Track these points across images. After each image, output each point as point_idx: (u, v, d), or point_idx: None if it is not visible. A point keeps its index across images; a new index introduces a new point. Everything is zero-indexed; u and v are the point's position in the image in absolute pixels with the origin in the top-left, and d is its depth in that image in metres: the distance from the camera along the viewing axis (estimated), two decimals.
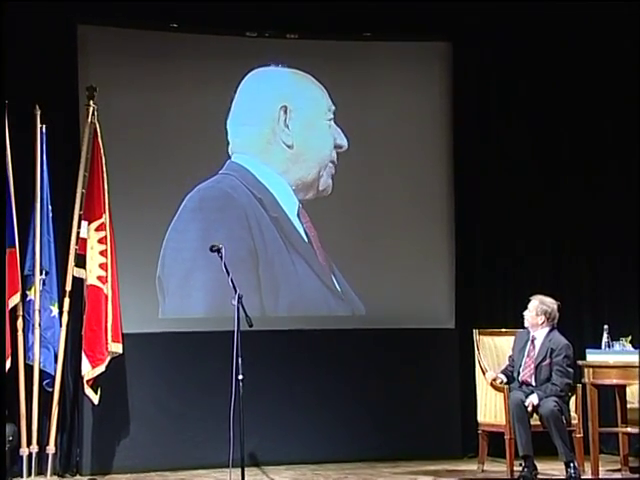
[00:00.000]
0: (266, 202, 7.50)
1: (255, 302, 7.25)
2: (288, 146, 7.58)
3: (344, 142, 7.65)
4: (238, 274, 7.07)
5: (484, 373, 6.87)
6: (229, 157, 7.50)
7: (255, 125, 7.56)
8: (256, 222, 7.44)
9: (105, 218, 6.70)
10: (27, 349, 6.51)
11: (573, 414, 6.64)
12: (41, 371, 6.53)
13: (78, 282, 6.71)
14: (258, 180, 7.52)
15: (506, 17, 7.74)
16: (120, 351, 6.70)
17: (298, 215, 7.59)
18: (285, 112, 7.55)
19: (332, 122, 7.67)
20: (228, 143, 7.50)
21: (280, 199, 7.55)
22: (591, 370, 6.59)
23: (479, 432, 6.94)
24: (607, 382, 6.62)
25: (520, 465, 6.54)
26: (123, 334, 6.72)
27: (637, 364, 6.44)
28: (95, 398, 6.66)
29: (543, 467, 6.69)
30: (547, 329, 6.69)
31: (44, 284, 6.57)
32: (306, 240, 7.57)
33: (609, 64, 7.71)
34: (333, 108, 7.66)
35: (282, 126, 7.56)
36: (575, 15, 7.69)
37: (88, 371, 6.60)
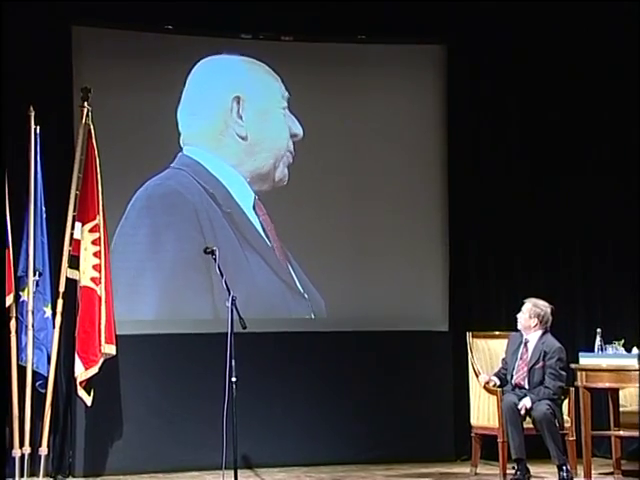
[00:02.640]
0: (219, 197, 7.32)
1: (207, 304, 7.16)
2: (242, 138, 7.41)
3: (299, 130, 7.49)
4: (189, 275, 7.11)
5: (477, 376, 6.87)
6: (180, 149, 7.36)
7: (207, 117, 7.40)
8: (207, 220, 7.27)
9: (99, 219, 6.68)
10: (20, 350, 6.49)
11: (566, 417, 6.65)
12: (34, 372, 6.51)
13: (71, 283, 6.70)
14: (211, 174, 7.34)
15: (500, 20, 7.74)
16: (113, 352, 6.70)
17: (254, 208, 7.43)
18: (238, 102, 7.40)
19: (286, 110, 7.50)
20: (179, 134, 7.36)
21: (234, 193, 7.37)
22: (584, 373, 6.60)
23: (472, 435, 6.94)
24: (600, 385, 6.63)
25: (513, 468, 6.55)
26: (116, 335, 6.72)
27: (630, 367, 6.46)
28: (88, 399, 6.65)
29: (536, 470, 6.71)
30: (540, 332, 6.70)
31: (37, 285, 6.55)
32: (262, 234, 7.42)
33: (606, 67, 7.72)
34: (287, 95, 7.50)
35: (235, 117, 7.43)
36: (571, 17, 7.70)
37: (81, 372, 6.59)
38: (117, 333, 6.79)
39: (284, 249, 7.48)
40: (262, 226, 7.45)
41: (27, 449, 6.46)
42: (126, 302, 7.11)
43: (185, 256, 7.14)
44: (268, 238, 7.45)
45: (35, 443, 6.54)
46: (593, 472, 6.63)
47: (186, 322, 7.23)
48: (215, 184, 7.36)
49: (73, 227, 6.68)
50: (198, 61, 7.42)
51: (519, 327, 6.78)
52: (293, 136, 7.53)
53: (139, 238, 7.22)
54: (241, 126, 7.43)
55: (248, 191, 7.44)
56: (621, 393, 6.86)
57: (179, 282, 7.25)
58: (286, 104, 7.52)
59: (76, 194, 6.70)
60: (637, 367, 6.43)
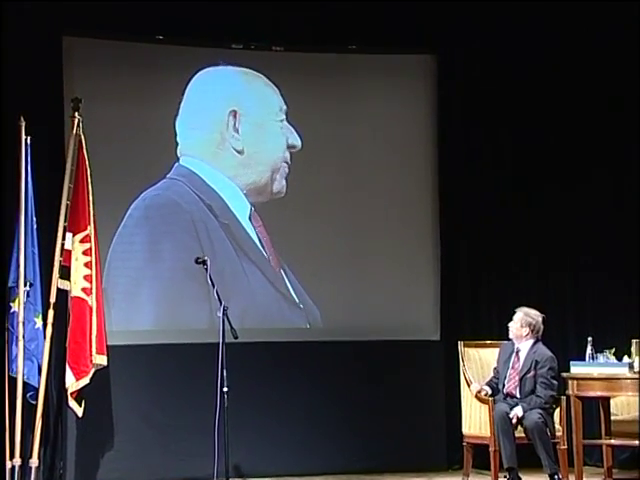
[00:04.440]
0: (216, 208, 7.35)
1: (205, 314, 7.14)
2: (238, 152, 7.43)
3: (297, 142, 7.50)
4: (186, 285, 7.10)
5: (469, 385, 6.87)
6: (178, 159, 7.38)
7: (204, 130, 7.42)
8: (205, 230, 7.29)
9: (90, 230, 6.68)
10: (11, 361, 6.47)
11: (557, 426, 6.65)
12: (25, 383, 6.48)
13: (62, 294, 6.68)
14: (207, 185, 7.36)
15: (490, 30, 7.78)
16: (104, 363, 6.68)
17: (250, 219, 7.45)
18: (234, 116, 7.41)
19: (284, 122, 7.52)
20: (177, 144, 7.37)
21: (231, 204, 7.39)
22: (575, 382, 6.61)
23: (464, 444, 6.92)
24: (591, 394, 6.64)
25: (505, 477, 6.55)
26: (108, 346, 6.70)
27: (621, 376, 6.47)
28: (79, 410, 6.63)
29: (528, 479, 6.70)
30: (532, 341, 6.72)
31: (28, 296, 6.52)
32: (258, 245, 7.43)
33: (596, 76, 7.75)
34: (285, 108, 7.52)
35: (232, 132, 7.44)
36: (560, 27, 7.74)
37: (72, 383, 6.57)
38: (114, 343, 6.80)
39: (279, 260, 7.50)
40: (258, 237, 7.47)
41: (17, 461, 6.43)
42: (123, 312, 7.14)
43: (182, 266, 7.12)
44: (264, 249, 7.46)
45: (26, 454, 6.50)
46: None
47: (183, 332, 7.23)
48: (212, 195, 7.38)
49: (64, 237, 6.67)
50: (194, 72, 7.41)
51: (511, 336, 6.79)
52: (291, 147, 7.54)
53: (137, 248, 7.23)
54: (238, 140, 7.45)
55: (244, 202, 7.46)
56: (612, 402, 6.86)
57: (176, 292, 7.25)
58: (284, 117, 7.53)
59: (67, 204, 6.69)
60: (628, 375, 6.44)
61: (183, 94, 7.38)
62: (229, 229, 7.38)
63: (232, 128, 7.44)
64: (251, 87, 7.55)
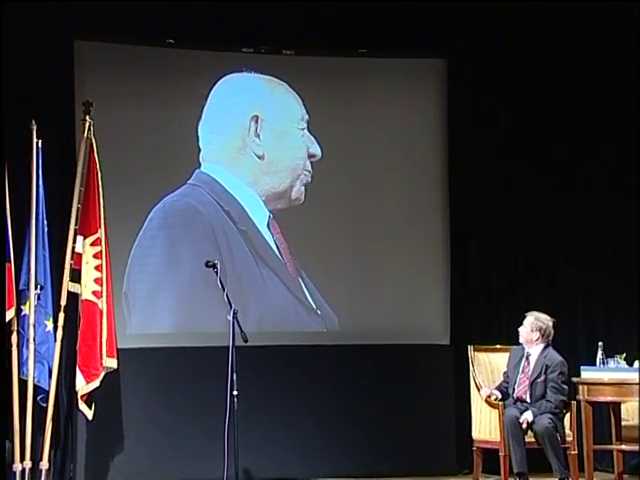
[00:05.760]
0: (234, 214, 7.41)
1: (222, 317, 7.05)
2: (259, 157, 7.48)
3: (318, 151, 7.56)
4: (205, 290, 7.09)
5: (479, 389, 6.86)
6: (199, 166, 7.41)
7: (225, 134, 7.47)
8: (223, 236, 7.34)
9: (100, 233, 6.70)
10: (21, 364, 6.49)
11: (568, 431, 6.63)
12: (35, 386, 6.51)
13: (73, 297, 6.70)
14: (227, 191, 7.42)
15: (501, 33, 7.77)
16: (115, 366, 6.70)
17: (268, 226, 7.50)
18: (256, 121, 7.46)
19: (305, 131, 7.56)
20: (199, 150, 7.42)
21: (249, 210, 7.45)
22: (586, 387, 6.59)
23: (474, 449, 6.90)
24: (602, 399, 6.62)
25: None
26: (118, 349, 6.72)
27: (631, 381, 6.45)
28: (89, 413, 6.65)
29: None
30: (542, 346, 6.71)
31: (39, 299, 6.55)
32: (276, 252, 7.48)
33: (606, 80, 7.74)
34: (307, 117, 7.56)
35: (252, 136, 7.49)
36: (569, 30, 7.73)
37: (82, 386, 6.59)
38: (131, 346, 6.84)
39: (297, 266, 7.54)
40: (276, 244, 7.51)
41: (28, 463, 6.45)
42: (143, 316, 7.19)
43: (201, 271, 7.07)
44: (281, 255, 7.51)
45: (36, 457, 6.53)
46: None
47: (200, 335, 7.25)
48: (231, 202, 7.43)
49: (75, 240, 6.69)
50: (214, 76, 7.43)
51: (521, 340, 6.78)
52: (311, 156, 7.58)
53: (156, 255, 7.28)
54: (258, 145, 7.49)
55: (263, 209, 7.51)
56: (623, 407, 6.84)
57: (195, 296, 7.28)
58: (305, 125, 7.58)
59: (78, 207, 6.71)
60: (639, 381, 6.42)
61: (207, 98, 7.42)
62: (247, 235, 7.44)
63: (253, 133, 7.48)
64: (274, 94, 7.60)
